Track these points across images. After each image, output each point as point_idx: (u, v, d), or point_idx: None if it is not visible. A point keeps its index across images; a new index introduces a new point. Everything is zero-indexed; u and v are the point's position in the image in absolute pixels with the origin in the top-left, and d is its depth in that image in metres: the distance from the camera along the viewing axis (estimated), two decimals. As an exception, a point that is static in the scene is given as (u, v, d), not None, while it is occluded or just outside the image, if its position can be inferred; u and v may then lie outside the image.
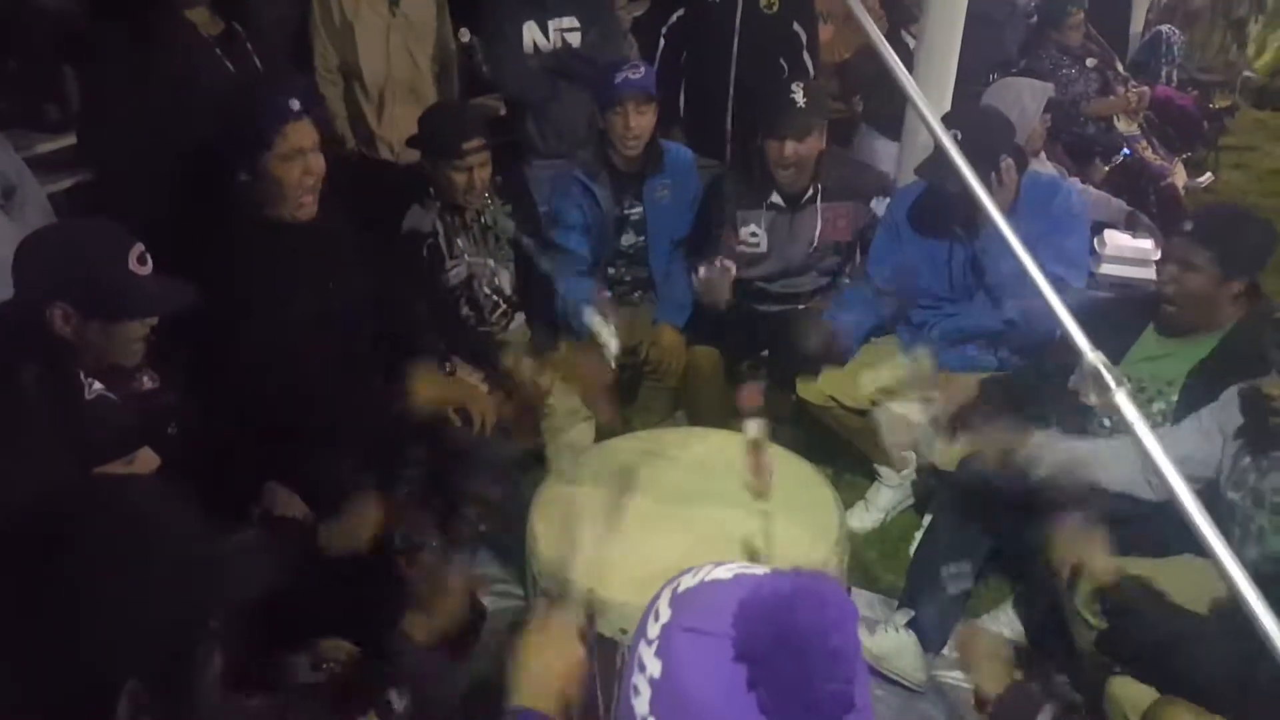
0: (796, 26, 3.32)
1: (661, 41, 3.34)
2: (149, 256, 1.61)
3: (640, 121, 2.69)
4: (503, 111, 3.72)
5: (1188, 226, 1.99)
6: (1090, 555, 1.71)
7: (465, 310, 2.67)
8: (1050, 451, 1.89)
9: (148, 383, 1.78)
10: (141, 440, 1.49)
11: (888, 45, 1.31)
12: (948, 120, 2.38)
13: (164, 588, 0.91)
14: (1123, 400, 0.93)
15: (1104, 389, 0.94)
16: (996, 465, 1.95)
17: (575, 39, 3.16)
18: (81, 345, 1.60)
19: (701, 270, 2.68)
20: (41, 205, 2.33)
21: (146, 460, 1.61)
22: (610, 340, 2.30)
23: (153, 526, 0.95)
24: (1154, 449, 0.89)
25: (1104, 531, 1.74)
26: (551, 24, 3.14)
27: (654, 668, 0.86)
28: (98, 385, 1.57)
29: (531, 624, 1.24)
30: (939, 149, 2.31)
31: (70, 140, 2.75)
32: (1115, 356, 2.10)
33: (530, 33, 3.13)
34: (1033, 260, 2.34)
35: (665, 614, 0.88)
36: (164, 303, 1.64)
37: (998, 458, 1.94)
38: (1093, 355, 0.95)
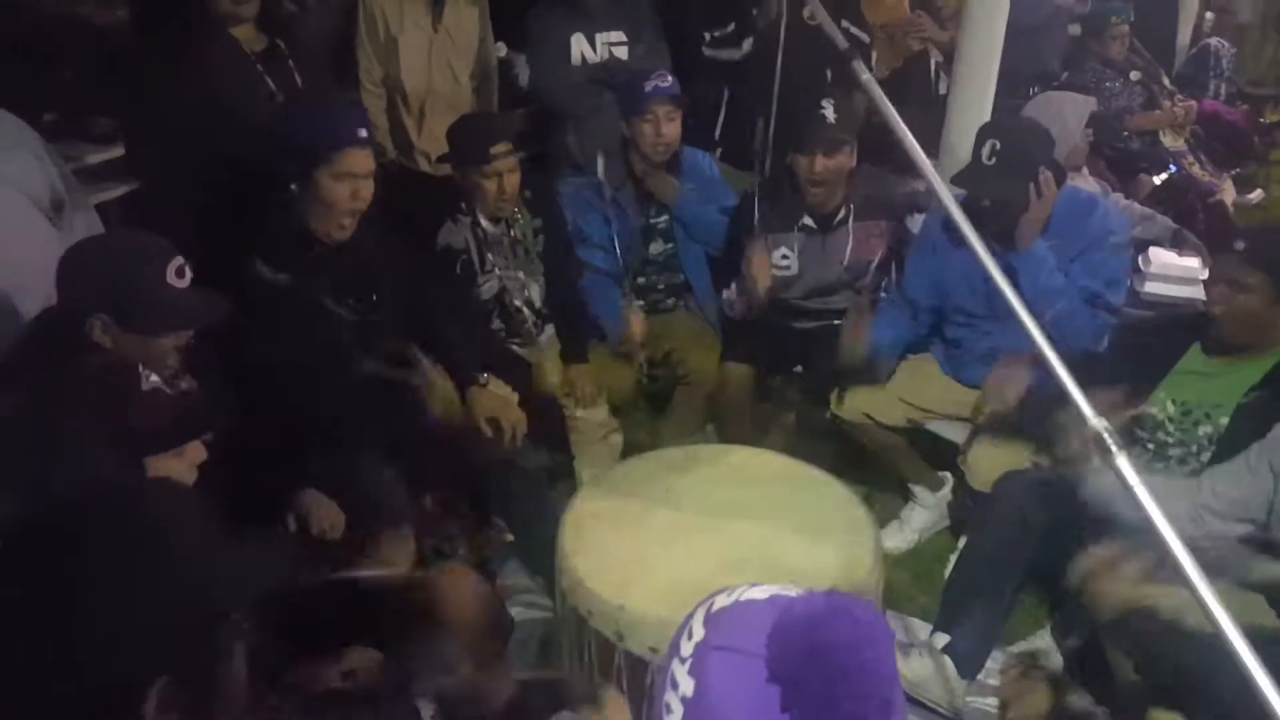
0: (848, 25, 3.25)
1: (703, 52, 3.32)
2: (188, 270, 1.64)
3: (670, 128, 2.72)
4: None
5: (1239, 246, 1.93)
6: (1120, 580, 1.68)
7: (497, 323, 2.70)
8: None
9: (183, 386, 1.82)
10: (191, 433, 1.52)
11: (897, 117, 1.33)
12: (987, 130, 2.36)
13: (185, 587, 0.92)
14: (1124, 465, 0.92)
15: (1106, 452, 0.93)
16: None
17: (622, 53, 3.17)
18: (117, 352, 1.62)
19: (733, 288, 2.71)
20: (89, 218, 2.38)
21: (195, 453, 1.63)
22: None
23: (175, 528, 0.97)
24: (1150, 506, 0.90)
25: (1143, 558, 1.69)
26: (599, 37, 3.15)
27: (687, 686, 0.85)
28: (154, 377, 1.60)
29: None
30: (976, 159, 2.31)
31: (119, 151, 2.82)
32: (1159, 373, 2.06)
33: (578, 45, 3.15)
34: (1061, 284, 2.30)
35: (699, 632, 0.88)
36: (200, 316, 1.67)
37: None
38: (1095, 420, 0.96)
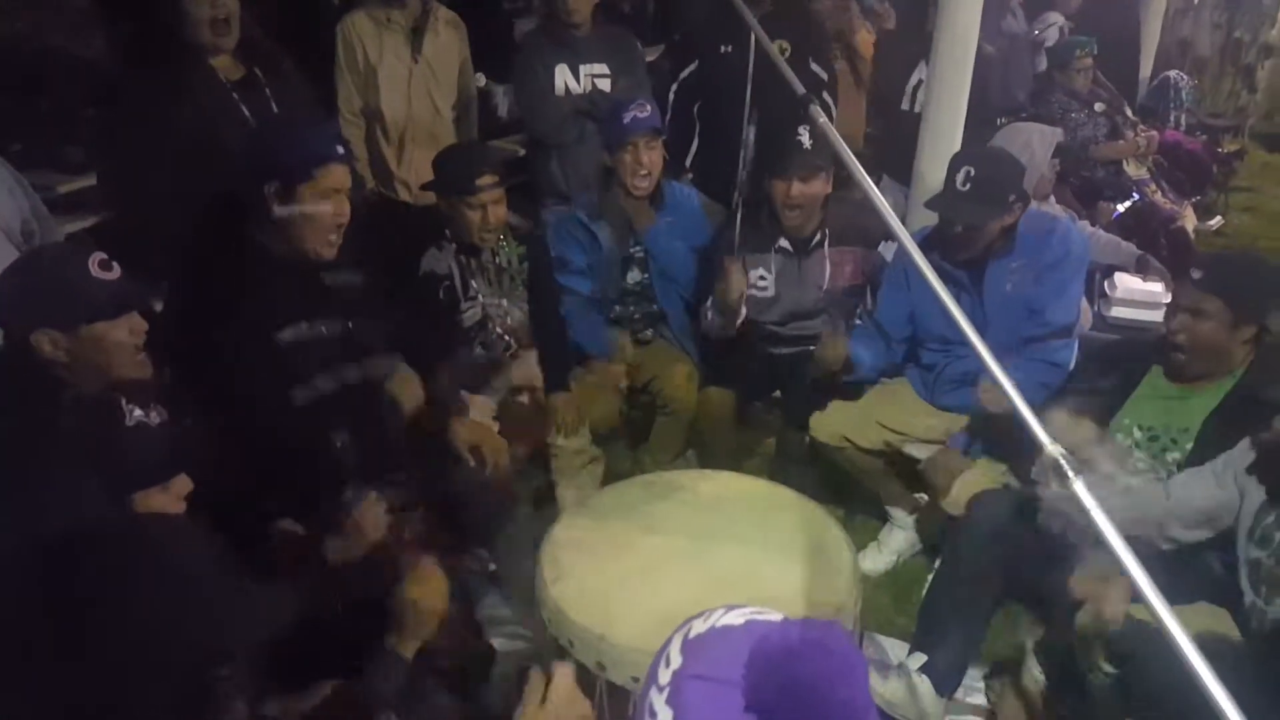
0: (815, 66, 3.35)
1: (672, 96, 3.38)
2: (114, 264, 1.63)
3: (651, 157, 2.75)
4: (521, 153, 3.79)
5: (1196, 275, 1.96)
6: (1105, 598, 1.69)
7: (478, 350, 2.69)
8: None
9: (155, 416, 1.79)
10: (177, 467, 1.50)
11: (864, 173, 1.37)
12: (961, 158, 2.42)
13: (187, 625, 0.92)
14: (1081, 490, 0.95)
15: (1064, 478, 0.96)
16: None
17: (605, 85, 3.23)
18: (76, 366, 1.60)
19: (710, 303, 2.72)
20: (59, 246, 2.37)
21: (181, 485, 1.61)
22: None
23: (177, 565, 0.96)
24: (1111, 535, 0.94)
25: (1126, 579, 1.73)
26: (583, 69, 3.21)
27: (664, 715, 0.85)
28: (138, 412, 1.58)
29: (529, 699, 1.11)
30: (950, 185, 2.36)
31: (90, 181, 2.79)
32: (1121, 397, 2.09)
33: (562, 76, 3.19)
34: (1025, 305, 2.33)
35: (676, 660, 0.88)
36: (131, 301, 1.65)
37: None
38: (1052, 448, 0.99)
